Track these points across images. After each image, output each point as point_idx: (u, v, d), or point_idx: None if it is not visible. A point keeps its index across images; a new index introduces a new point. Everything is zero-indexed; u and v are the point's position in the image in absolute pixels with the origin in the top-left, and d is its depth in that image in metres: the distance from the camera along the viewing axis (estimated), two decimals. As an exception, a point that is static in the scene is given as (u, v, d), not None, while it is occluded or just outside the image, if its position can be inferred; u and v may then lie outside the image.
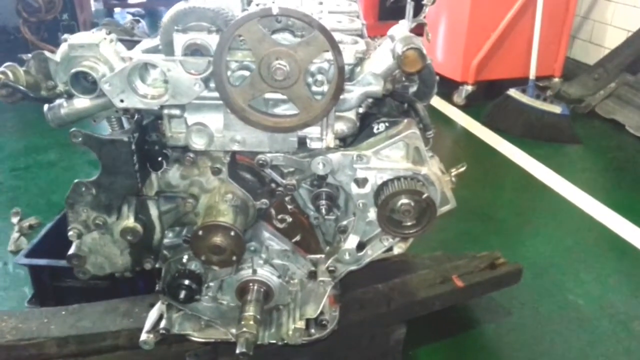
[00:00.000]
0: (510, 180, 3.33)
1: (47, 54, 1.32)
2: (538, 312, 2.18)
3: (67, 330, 1.74)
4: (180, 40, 1.18)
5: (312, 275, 1.49)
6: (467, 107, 4.14)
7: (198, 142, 1.27)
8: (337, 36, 1.17)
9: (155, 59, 1.19)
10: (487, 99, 4.06)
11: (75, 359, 1.75)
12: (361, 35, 1.39)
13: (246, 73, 1.21)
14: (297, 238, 1.48)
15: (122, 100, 1.22)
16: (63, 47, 1.27)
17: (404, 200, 1.27)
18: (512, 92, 3.76)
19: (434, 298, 1.87)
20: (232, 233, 1.25)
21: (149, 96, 1.21)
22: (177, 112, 1.25)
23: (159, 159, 1.29)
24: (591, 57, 4.58)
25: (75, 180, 1.25)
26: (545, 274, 2.39)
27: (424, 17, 1.39)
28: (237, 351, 1.35)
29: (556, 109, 3.69)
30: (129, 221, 1.27)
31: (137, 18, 1.76)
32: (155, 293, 1.80)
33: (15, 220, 2.62)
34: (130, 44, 1.45)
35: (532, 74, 3.82)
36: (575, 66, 4.59)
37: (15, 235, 2.52)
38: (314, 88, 1.21)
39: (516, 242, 2.65)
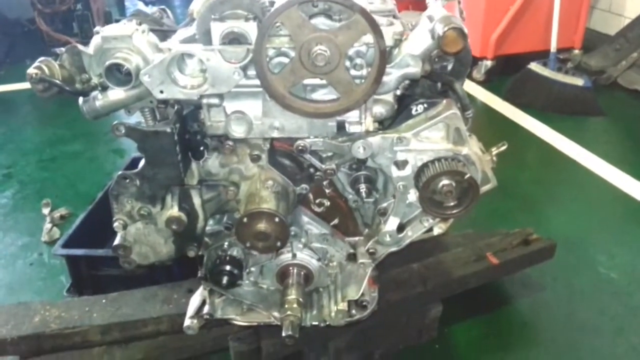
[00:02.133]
0: (535, 155, 3.31)
1: (80, 47, 1.32)
2: (571, 287, 2.18)
3: (109, 318, 1.78)
4: (218, 29, 1.18)
5: (351, 257, 1.51)
6: (487, 83, 4.10)
7: (237, 130, 1.28)
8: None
9: (195, 49, 1.19)
10: (507, 74, 4.02)
11: (118, 346, 1.79)
12: (395, 16, 1.38)
13: (284, 59, 1.21)
14: (335, 221, 1.50)
15: (161, 92, 1.22)
16: (96, 40, 1.27)
17: (445, 182, 1.27)
18: (533, 66, 3.71)
19: (469, 276, 1.88)
20: (276, 219, 1.26)
21: (188, 86, 1.22)
22: (216, 101, 1.26)
23: (201, 148, 1.30)
24: (611, 27, 4.49)
25: (119, 172, 1.27)
26: (576, 248, 2.39)
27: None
28: (283, 334, 1.38)
29: (578, 81, 3.65)
30: (173, 210, 1.29)
31: (163, 7, 1.76)
32: (192, 279, 1.84)
33: (46, 211, 2.66)
34: (161, 33, 1.46)
35: (553, 47, 3.77)
36: (595, 37, 4.50)
37: (48, 226, 2.56)
38: (353, 72, 1.21)
39: (544, 217, 2.64)
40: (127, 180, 1.26)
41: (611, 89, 3.99)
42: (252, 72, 1.21)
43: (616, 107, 3.78)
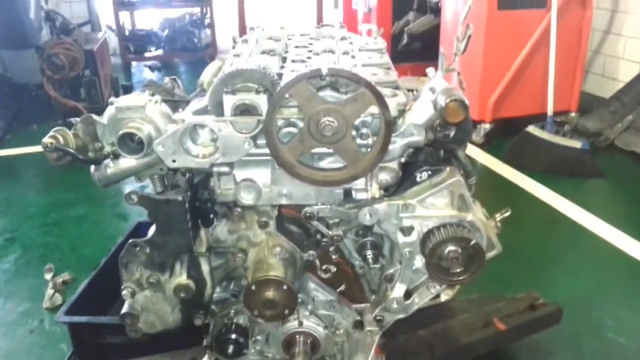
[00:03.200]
0: (536, 217, 3.32)
1: (94, 117, 1.37)
2: (580, 353, 2.15)
3: (111, 388, 1.75)
4: (229, 102, 1.22)
5: (358, 325, 1.49)
6: (486, 145, 4.17)
7: (247, 198, 1.30)
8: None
9: (207, 120, 1.23)
10: (506, 136, 4.09)
11: (120, 418, 1.75)
12: (397, 87, 1.44)
13: (292, 129, 1.25)
14: (342, 287, 1.50)
15: (174, 161, 1.26)
16: (110, 110, 1.32)
17: (451, 248, 1.28)
18: (531, 129, 3.79)
19: (477, 343, 1.85)
20: (285, 287, 1.27)
21: (200, 155, 1.25)
22: (226, 169, 1.29)
23: (210, 215, 1.32)
24: (605, 91, 4.62)
25: (130, 240, 1.28)
26: (583, 312, 2.36)
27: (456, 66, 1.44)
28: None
29: (576, 143, 3.72)
30: (182, 278, 1.29)
31: (174, 77, 1.82)
32: (195, 347, 1.82)
33: (48, 276, 2.65)
34: (172, 103, 1.51)
35: (550, 110, 3.86)
36: (591, 100, 4.63)
37: (50, 292, 2.53)
38: (359, 141, 1.25)
39: (549, 280, 2.63)
40: (138, 248, 1.27)
41: (609, 151, 4.05)
42: (261, 141, 1.24)
43: (614, 169, 3.83)
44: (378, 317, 1.45)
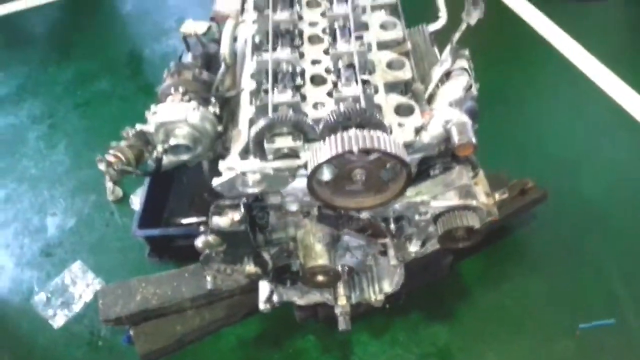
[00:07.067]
0: (530, 52, 3.35)
1: (143, 128, 1.58)
2: (559, 212, 2.53)
3: (195, 291, 2.27)
4: (270, 148, 1.44)
5: (383, 252, 1.91)
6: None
7: (292, 207, 1.62)
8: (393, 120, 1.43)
9: (254, 168, 1.46)
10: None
11: (205, 307, 2.32)
12: (413, 80, 1.60)
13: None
14: (369, 232, 1.88)
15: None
16: (154, 120, 1.54)
17: (460, 232, 1.64)
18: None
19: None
20: (332, 273, 1.67)
21: (251, 189, 1.52)
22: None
23: (263, 221, 1.65)
24: None
25: (206, 251, 1.62)
26: (563, 168, 2.71)
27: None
28: (340, 329, 1.87)
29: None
30: (250, 267, 1.68)
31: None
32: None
33: (102, 167, 2.93)
34: (204, 86, 1.67)
35: None
36: None
37: (109, 185, 2.75)
38: (385, 175, 1.48)
39: (538, 130, 2.90)
40: (214, 255, 1.64)
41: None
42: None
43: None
44: (400, 259, 1.87)
